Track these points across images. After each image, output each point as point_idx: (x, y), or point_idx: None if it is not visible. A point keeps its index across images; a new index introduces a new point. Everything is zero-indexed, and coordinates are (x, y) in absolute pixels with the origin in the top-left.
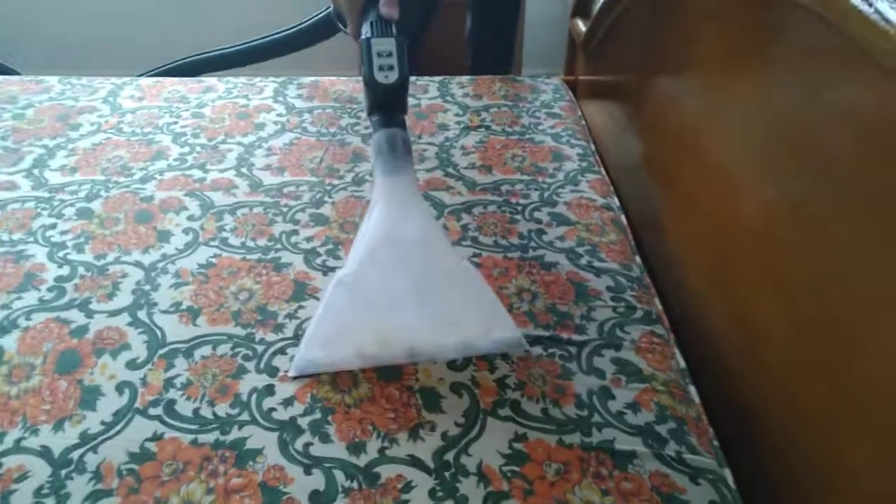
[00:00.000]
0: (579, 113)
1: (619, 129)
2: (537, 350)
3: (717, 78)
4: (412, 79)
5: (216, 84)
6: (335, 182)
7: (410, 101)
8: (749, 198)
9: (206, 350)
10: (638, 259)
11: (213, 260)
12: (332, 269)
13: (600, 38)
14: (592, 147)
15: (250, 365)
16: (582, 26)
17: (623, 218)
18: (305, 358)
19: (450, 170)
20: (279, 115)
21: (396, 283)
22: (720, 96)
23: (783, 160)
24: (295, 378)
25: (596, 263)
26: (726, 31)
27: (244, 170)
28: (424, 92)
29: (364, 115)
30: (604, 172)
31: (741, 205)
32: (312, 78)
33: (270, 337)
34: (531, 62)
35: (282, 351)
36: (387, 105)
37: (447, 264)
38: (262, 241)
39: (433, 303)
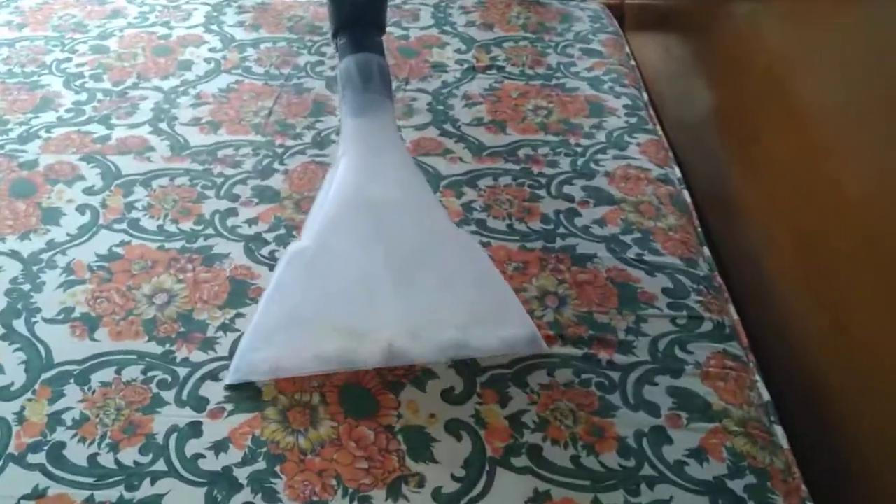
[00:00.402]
0: (627, 50)
1: (681, 71)
2: (566, 375)
3: (813, 3)
4: (397, 0)
5: (125, 6)
6: (289, 143)
7: (395, 31)
8: (855, 164)
9: (107, 374)
10: (706, 251)
11: (119, 250)
12: None
13: None
14: (645, 97)
15: (169, 395)
16: None
17: (686, 194)
18: (247, 359)
19: (448, 127)
20: (212, 49)
21: (368, 260)
22: (817, 27)
23: None
24: (233, 400)
25: (648, 257)
26: None
27: (163, 125)
28: (414, 19)
29: (330, 45)
30: (660, 132)
31: (844, 174)
32: None
33: (197, 356)
34: None
35: (213, 375)
36: (358, 22)
37: (436, 234)
38: (186, 224)
39: (417, 286)
